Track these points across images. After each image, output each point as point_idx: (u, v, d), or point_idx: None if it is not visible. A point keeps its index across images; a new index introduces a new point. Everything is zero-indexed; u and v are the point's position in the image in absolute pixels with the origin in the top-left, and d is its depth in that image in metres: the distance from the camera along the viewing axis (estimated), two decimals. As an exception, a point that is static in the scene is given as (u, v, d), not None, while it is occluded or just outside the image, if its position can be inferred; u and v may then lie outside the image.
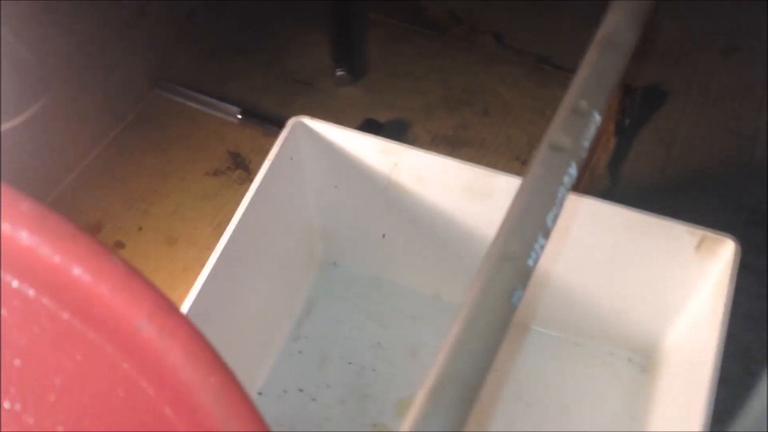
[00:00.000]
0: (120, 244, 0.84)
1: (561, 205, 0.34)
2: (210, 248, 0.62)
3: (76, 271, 0.22)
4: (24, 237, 0.22)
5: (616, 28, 0.40)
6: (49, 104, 0.85)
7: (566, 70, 1.01)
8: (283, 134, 0.68)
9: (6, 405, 0.24)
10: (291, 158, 0.69)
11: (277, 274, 0.74)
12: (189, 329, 0.23)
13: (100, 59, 0.94)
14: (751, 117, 0.96)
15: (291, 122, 0.69)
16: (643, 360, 0.75)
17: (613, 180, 0.90)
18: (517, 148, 0.93)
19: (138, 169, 0.91)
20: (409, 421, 0.26)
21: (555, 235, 0.69)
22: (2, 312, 0.23)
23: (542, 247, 0.32)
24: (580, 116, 0.36)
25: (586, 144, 0.36)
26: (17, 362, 0.24)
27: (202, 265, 0.62)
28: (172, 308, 0.24)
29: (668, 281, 0.66)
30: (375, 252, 0.78)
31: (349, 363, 0.75)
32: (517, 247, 0.31)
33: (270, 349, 0.74)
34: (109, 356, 0.23)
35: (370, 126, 0.93)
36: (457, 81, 1.00)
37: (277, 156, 0.67)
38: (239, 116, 0.95)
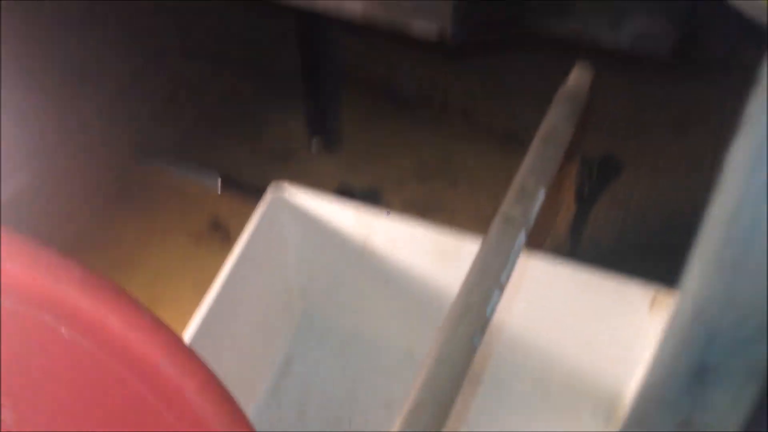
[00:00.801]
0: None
1: (513, 265, 0.39)
2: (191, 310, 0.66)
3: (113, 321, 0.27)
4: (72, 295, 0.27)
5: (555, 126, 0.47)
6: (32, 179, 0.89)
7: (527, 145, 1.08)
8: (264, 200, 0.73)
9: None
10: (271, 222, 0.74)
11: (257, 331, 0.78)
12: (203, 368, 0.28)
13: (83, 135, 0.98)
14: (700, 186, 1.03)
15: (272, 188, 0.73)
16: (607, 410, 0.79)
17: (575, 243, 0.96)
18: (485, 216, 0.98)
19: (119, 235, 0.95)
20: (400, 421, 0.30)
21: (520, 294, 0.74)
22: (53, 352, 0.27)
23: (497, 301, 0.37)
24: (527, 194, 0.43)
25: (533, 216, 0.42)
26: (66, 394, 0.28)
27: (185, 326, 0.65)
28: (190, 351, 0.28)
29: (626, 336, 0.71)
30: (351, 310, 0.82)
31: (326, 416, 0.78)
32: (476, 299, 0.36)
33: (249, 402, 0.77)
34: (139, 392, 0.27)
35: (345, 194, 0.98)
36: (427, 154, 1.06)
37: (259, 220, 0.72)
38: (220, 185, 0.99)
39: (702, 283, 0.15)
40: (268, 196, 0.73)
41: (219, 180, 1.00)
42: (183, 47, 1.18)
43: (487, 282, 0.38)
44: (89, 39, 1.16)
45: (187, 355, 0.28)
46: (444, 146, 1.07)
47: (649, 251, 0.95)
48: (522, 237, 0.41)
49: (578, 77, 0.52)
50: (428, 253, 0.73)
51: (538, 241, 0.96)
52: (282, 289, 0.81)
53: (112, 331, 0.27)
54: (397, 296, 0.78)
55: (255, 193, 0.98)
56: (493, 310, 0.37)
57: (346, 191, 0.98)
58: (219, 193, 1.00)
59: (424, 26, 0.40)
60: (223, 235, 0.96)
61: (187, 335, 0.63)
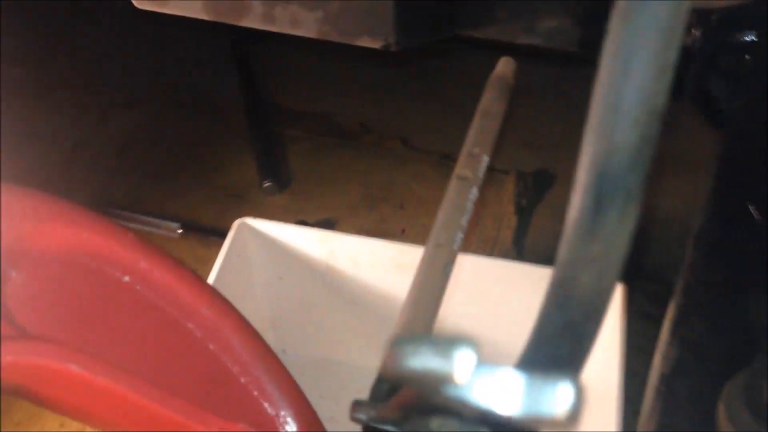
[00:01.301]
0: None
1: (470, 212, 0.48)
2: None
3: (170, 281, 0.33)
4: (142, 265, 0.34)
5: (490, 103, 0.56)
6: None
7: (434, 153, 1.16)
8: (230, 235, 0.77)
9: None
10: (238, 256, 0.78)
11: (232, 365, 0.82)
12: (235, 313, 0.35)
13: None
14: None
15: (236, 223, 0.78)
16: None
17: (519, 252, 1.03)
18: (433, 233, 1.05)
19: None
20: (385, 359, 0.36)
21: (474, 296, 0.80)
22: (119, 295, 0.33)
23: (461, 239, 0.45)
24: (474, 158, 0.51)
25: (481, 175, 0.51)
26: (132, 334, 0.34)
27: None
28: (226, 301, 0.35)
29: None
30: (320, 336, 0.86)
31: (306, 439, 0.82)
32: (445, 238, 0.44)
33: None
34: (189, 329, 0.34)
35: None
36: (373, 181, 1.12)
37: (226, 255, 0.76)
38: (179, 231, 1.03)
39: (592, 144, 0.23)
40: (233, 230, 0.77)
41: (178, 225, 1.04)
42: (129, 98, 1.23)
43: (452, 225, 0.46)
44: (39, 102, 1.19)
45: (223, 301, 0.35)
46: (388, 173, 1.14)
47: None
48: (474, 191, 0.50)
49: (503, 66, 0.62)
50: (387, 268, 0.79)
51: (486, 252, 1.03)
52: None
53: (164, 283, 0.33)
54: (362, 315, 0.83)
55: (214, 234, 1.03)
56: (459, 247, 0.47)
57: (301, 224, 1.04)
58: (179, 237, 1.04)
59: (369, 41, 0.48)
60: (188, 276, 0.99)
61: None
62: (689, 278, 0.47)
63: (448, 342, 0.22)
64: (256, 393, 0.37)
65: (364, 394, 0.88)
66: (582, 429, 0.79)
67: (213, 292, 0.39)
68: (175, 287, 0.36)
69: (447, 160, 1.16)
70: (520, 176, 1.13)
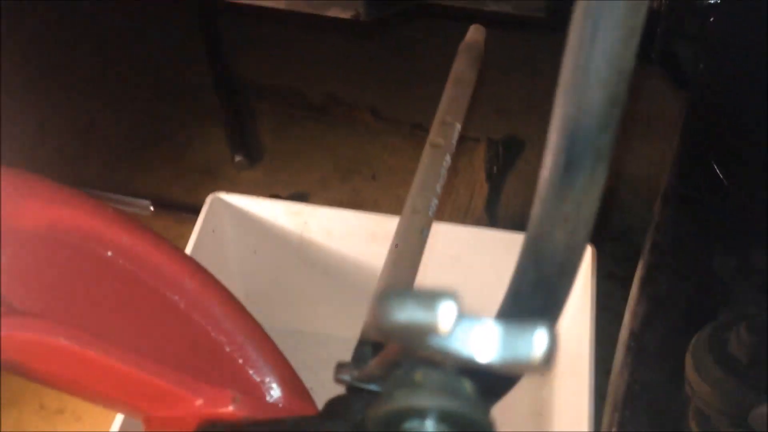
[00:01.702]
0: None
1: (444, 179, 0.49)
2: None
3: (153, 254, 0.34)
4: (125, 239, 0.34)
5: (461, 70, 0.56)
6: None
7: (404, 123, 1.17)
8: (203, 210, 0.77)
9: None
10: (213, 231, 0.78)
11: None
12: (218, 283, 0.35)
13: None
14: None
15: (209, 198, 0.78)
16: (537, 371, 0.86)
17: (491, 219, 1.04)
18: (405, 203, 1.06)
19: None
20: (372, 311, 0.38)
21: (448, 263, 0.81)
22: (101, 268, 0.34)
23: (436, 205, 0.47)
24: (447, 126, 0.52)
25: (454, 143, 0.52)
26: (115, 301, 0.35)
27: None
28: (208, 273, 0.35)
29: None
30: (296, 308, 0.87)
31: (287, 410, 0.83)
32: (420, 204, 0.45)
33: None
34: (173, 301, 0.35)
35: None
36: (345, 153, 1.12)
37: (200, 230, 0.76)
38: (151, 209, 1.03)
39: (562, 106, 0.24)
40: (207, 204, 0.77)
41: (149, 203, 1.03)
42: (94, 76, 1.21)
43: (427, 192, 0.47)
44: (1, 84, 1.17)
45: (205, 272, 0.36)
46: (359, 144, 1.14)
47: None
48: (448, 159, 0.51)
49: (474, 33, 0.63)
50: (361, 238, 0.79)
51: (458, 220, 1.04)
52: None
53: (146, 256, 0.34)
54: (337, 286, 0.84)
55: (187, 211, 1.02)
56: (434, 212, 0.48)
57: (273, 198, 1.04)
58: (151, 215, 1.03)
59: (339, 11, 0.49)
60: (162, 253, 0.99)
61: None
62: (657, 237, 0.49)
63: (431, 295, 0.23)
64: (241, 361, 0.38)
65: (342, 364, 0.89)
66: (557, 389, 0.80)
67: (195, 264, 0.39)
68: (158, 260, 0.37)
69: (418, 130, 1.17)
70: (491, 143, 1.13)
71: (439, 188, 0.51)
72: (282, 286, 0.85)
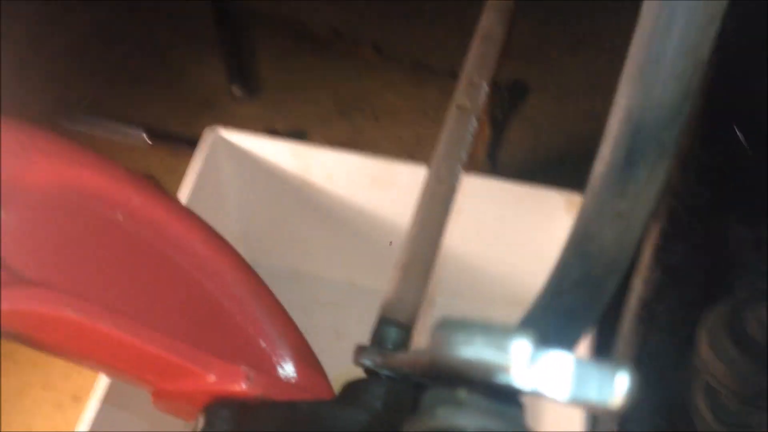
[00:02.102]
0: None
1: (469, 144, 0.47)
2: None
3: (165, 217, 0.33)
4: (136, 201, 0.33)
5: (490, 25, 0.53)
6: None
7: (440, 73, 1.13)
8: (201, 145, 0.75)
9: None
10: (210, 167, 0.76)
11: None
12: (231, 249, 0.34)
13: (-2, 96, 0.97)
14: (603, 102, 1.11)
15: (208, 134, 0.76)
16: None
17: (493, 165, 1.02)
18: (407, 146, 1.04)
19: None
20: (392, 286, 0.36)
21: (452, 214, 0.80)
22: (112, 230, 0.33)
23: (461, 172, 0.45)
24: (474, 87, 0.49)
25: (480, 104, 0.49)
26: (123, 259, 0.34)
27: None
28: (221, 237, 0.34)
29: (546, 241, 0.78)
30: (292, 249, 0.86)
31: (280, 350, 0.83)
32: (445, 173, 0.43)
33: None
34: (184, 267, 0.33)
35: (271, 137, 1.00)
36: (345, 90, 1.09)
37: (198, 165, 0.74)
38: (147, 140, 1.00)
39: (627, 95, 0.22)
40: (205, 141, 0.75)
41: (144, 133, 1.00)
42: None
43: (452, 159, 0.46)
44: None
45: (218, 238, 0.35)
46: (360, 81, 1.11)
47: (559, 165, 1.03)
48: (473, 122, 0.49)
49: None
50: (362, 182, 0.77)
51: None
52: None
53: (159, 219, 0.33)
54: (336, 229, 0.82)
55: (183, 143, 1.00)
56: (458, 180, 0.46)
57: (271, 135, 1.01)
58: (146, 145, 1.01)
59: None
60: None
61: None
62: (673, 202, 0.47)
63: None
64: (254, 333, 0.36)
65: (335, 306, 0.89)
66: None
67: (208, 229, 0.38)
68: (170, 224, 0.35)
69: (422, 68, 1.14)
70: (496, 88, 1.10)
71: (464, 155, 0.49)
72: (280, 226, 0.84)
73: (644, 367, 0.46)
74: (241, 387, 0.34)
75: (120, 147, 1.01)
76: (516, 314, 0.91)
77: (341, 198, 0.80)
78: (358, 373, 0.84)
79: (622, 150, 0.24)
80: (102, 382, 0.62)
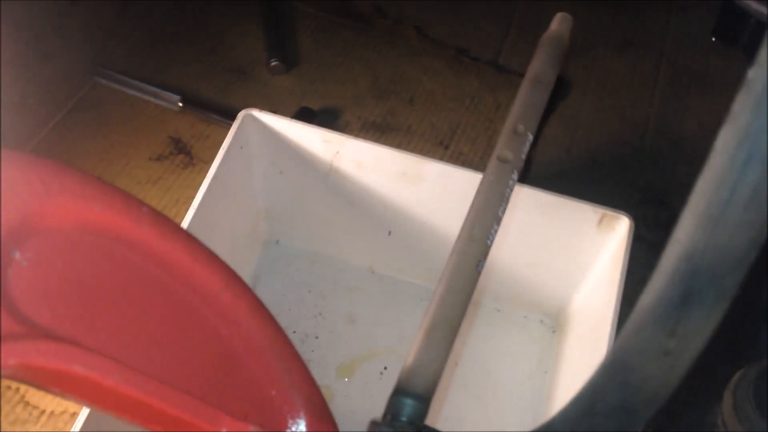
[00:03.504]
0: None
1: (507, 201, 0.44)
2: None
3: (179, 254, 0.32)
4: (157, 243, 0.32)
5: (542, 69, 0.51)
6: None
7: (482, 62, 1.11)
8: (235, 125, 0.74)
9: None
10: (241, 147, 0.76)
11: (224, 253, 0.81)
12: (251, 294, 0.33)
13: (36, 47, 0.97)
14: (643, 106, 1.09)
15: (241, 114, 0.75)
16: (553, 322, 0.86)
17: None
18: (440, 133, 1.02)
19: (81, 154, 0.95)
20: (411, 353, 0.35)
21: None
22: (126, 274, 0.32)
23: (496, 231, 0.42)
24: (518, 137, 0.47)
25: (524, 157, 0.47)
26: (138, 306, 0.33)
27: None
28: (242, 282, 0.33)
29: (574, 253, 0.77)
30: (315, 231, 0.85)
31: (294, 332, 0.83)
32: (479, 232, 0.41)
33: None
34: (201, 312, 0.33)
35: (304, 113, 0.99)
36: (383, 71, 1.08)
37: (230, 145, 0.74)
38: (179, 104, 1.00)
39: (690, 234, 0.21)
40: (238, 121, 0.74)
41: (179, 98, 1.00)
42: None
43: (488, 216, 0.44)
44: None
45: (239, 282, 0.33)
46: (398, 63, 1.09)
47: (592, 166, 1.01)
48: (515, 176, 0.47)
49: (560, 23, 0.56)
50: (391, 175, 0.76)
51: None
52: (249, 210, 0.84)
53: (178, 263, 0.32)
54: (360, 217, 0.82)
55: (215, 111, 0.99)
56: (492, 241, 0.44)
57: (305, 111, 1.00)
58: (178, 109, 1.00)
59: None
60: (186, 155, 0.97)
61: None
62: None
63: None
64: (266, 382, 0.35)
65: (351, 291, 0.89)
66: (569, 351, 0.79)
67: (229, 272, 0.37)
68: (191, 267, 0.34)
69: (462, 55, 1.11)
70: (536, 81, 1.08)
71: (501, 212, 0.46)
72: (304, 208, 0.84)
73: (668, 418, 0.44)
74: None
75: (152, 108, 1.00)
76: (546, 322, 0.89)
77: (368, 187, 0.79)
78: (370, 357, 0.83)
79: (677, 289, 0.22)
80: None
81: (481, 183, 0.48)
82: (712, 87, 1.10)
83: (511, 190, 0.48)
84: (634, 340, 0.24)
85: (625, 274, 0.71)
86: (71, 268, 0.31)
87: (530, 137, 0.50)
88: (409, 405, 0.37)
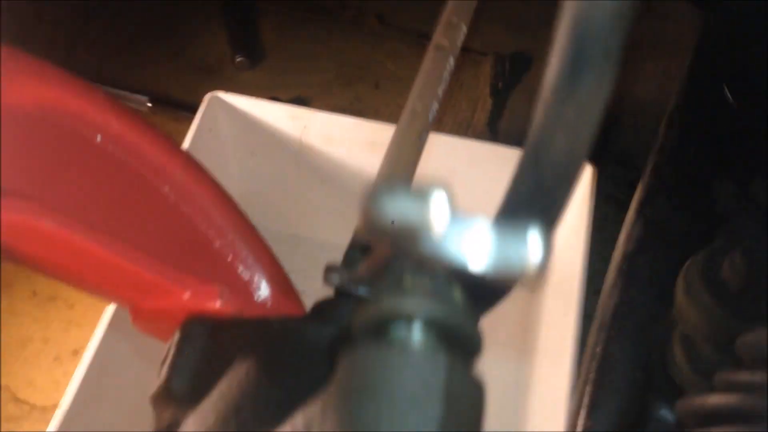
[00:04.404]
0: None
1: (446, 82, 0.48)
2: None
3: (144, 143, 0.34)
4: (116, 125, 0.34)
5: None
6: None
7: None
8: (201, 108, 0.76)
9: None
10: (210, 130, 0.77)
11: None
12: (209, 178, 0.35)
13: None
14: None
15: (207, 97, 0.77)
16: (530, 281, 0.87)
17: (493, 135, 1.03)
18: (407, 114, 1.04)
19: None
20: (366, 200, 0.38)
21: (446, 176, 0.81)
22: (89, 150, 0.34)
23: (436, 110, 0.45)
24: (453, 27, 0.50)
25: (458, 45, 0.50)
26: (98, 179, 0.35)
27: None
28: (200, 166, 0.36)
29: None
30: (291, 211, 0.87)
31: (278, 312, 0.84)
32: (421, 107, 0.44)
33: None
34: (162, 192, 0.34)
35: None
36: (349, 59, 1.10)
37: (197, 129, 0.75)
38: (149, 104, 1.01)
39: (574, 4, 0.23)
40: (205, 104, 0.76)
41: (146, 98, 1.01)
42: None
43: (428, 95, 0.46)
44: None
45: (197, 166, 0.35)
46: (363, 50, 1.11)
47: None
48: (451, 61, 0.50)
49: None
50: (361, 146, 0.78)
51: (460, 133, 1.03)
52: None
53: (137, 145, 0.34)
54: (334, 192, 0.83)
55: (184, 109, 1.01)
56: (433, 117, 0.47)
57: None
58: (147, 110, 1.02)
59: None
60: (159, 150, 0.98)
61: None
62: (659, 159, 0.48)
63: (424, 190, 0.23)
64: (230, 257, 0.37)
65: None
66: (545, 307, 0.81)
67: (187, 157, 0.39)
68: (149, 150, 0.36)
69: (424, 39, 1.14)
70: (498, 58, 1.11)
71: (440, 92, 0.49)
72: (279, 189, 0.85)
73: (623, 318, 0.46)
74: (215, 305, 0.35)
75: (123, 112, 1.02)
76: (522, 282, 0.91)
77: (340, 161, 0.80)
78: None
79: (568, 57, 0.25)
80: (97, 338, 0.64)
81: (421, 68, 0.51)
82: (668, 50, 1.13)
83: (450, 73, 0.51)
84: (542, 116, 0.26)
85: (591, 225, 0.73)
86: (33, 144, 0.33)
87: (464, 28, 0.54)
88: (362, 254, 0.40)
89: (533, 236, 0.23)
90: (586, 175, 0.75)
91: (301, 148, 0.80)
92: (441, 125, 1.02)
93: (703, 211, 0.47)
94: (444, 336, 0.25)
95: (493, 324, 0.87)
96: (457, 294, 0.27)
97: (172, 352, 0.34)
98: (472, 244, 0.23)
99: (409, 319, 0.25)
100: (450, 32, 0.53)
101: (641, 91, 1.09)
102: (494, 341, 0.82)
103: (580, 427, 0.45)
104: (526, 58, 1.13)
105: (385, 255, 0.27)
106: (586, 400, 0.46)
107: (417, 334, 0.25)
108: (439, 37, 0.53)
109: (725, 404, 0.32)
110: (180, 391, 0.32)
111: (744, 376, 0.33)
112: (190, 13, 1.14)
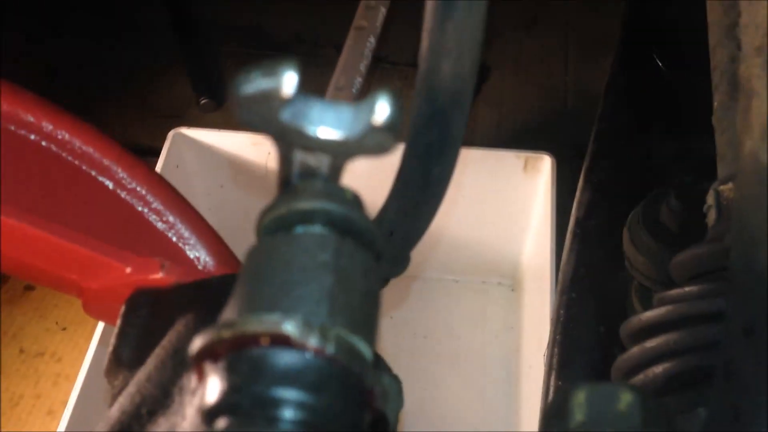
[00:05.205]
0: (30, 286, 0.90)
1: (368, 59, 0.50)
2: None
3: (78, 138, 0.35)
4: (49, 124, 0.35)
5: None
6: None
7: (402, 65, 1.16)
8: (166, 145, 0.78)
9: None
10: (177, 166, 0.79)
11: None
12: (145, 166, 0.36)
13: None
14: (558, 74, 1.14)
15: (171, 134, 0.78)
16: (510, 281, 0.88)
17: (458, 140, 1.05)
18: (372, 134, 1.06)
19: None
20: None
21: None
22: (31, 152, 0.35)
23: (360, 83, 0.47)
24: (372, 9, 0.53)
25: (378, 25, 0.53)
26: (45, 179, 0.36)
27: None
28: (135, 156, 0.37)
29: (509, 203, 0.80)
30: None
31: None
32: (345, 82, 0.46)
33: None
34: (101, 182, 0.36)
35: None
36: (309, 88, 1.12)
37: (164, 166, 0.77)
38: (119, 154, 1.03)
39: None
40: (169, 140, 0.78)
41: (116, 149, 1.03)
42: (54, 22, 1.20)
43: (351, 71, 0.48)
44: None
45: (131, 156, 0.37)
46: (322, 79, 1.13)
47: (523, 136, 1.05)
48: (372, 41, 0.52)
49: None
50: (325, 165, 0.80)
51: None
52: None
53: (72, 141, 0.35)
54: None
55: (153, 155, 1.03)
56: (358, 91, 0.49)
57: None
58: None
59: None
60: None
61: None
62: (600, 126, 0.50)
63: (274, 63, 0.24)
64: (174, 238, 0.39)
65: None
66: (525, 306, 0.82)
67: (120, 149, 0.40)
68: (84, 145, 0.37)
69: (382, 62, 1.17)
70: (455, 72, 1.13)
71: (363, 68, 0.52)
72: (252, 218, 0.86)
73: (582, 280, 0.47)
74: (157, 275, 0.36)
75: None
76: (503, 282, 0.91)
77: (306, 182, 0.82)
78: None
79: None
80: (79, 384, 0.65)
81: (345, 48, 0.54)
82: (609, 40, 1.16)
83: (371, 51, 0.54)
84: (426, 46, 0.28)
85: (555, 215, 0.74)
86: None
87: (383, 9, 0.57)
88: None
89: (381, 102, 0.25)
90: (546, 165, 0.77)
91: (268, 174, 0.81)
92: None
93: (645, 169, 0.48)
94: (335, 227, 0.27)
95: (482, 325, 0.88)
96: (348, 194, 0.28)
97: (119, 323, 0.35)
98: (328, 117, 0.25)
99: (307, 218, 0.26)
100: (369, 13, 0.55)
101: (598, 86, 1.11)
102: (483, 340, 0.83)
103: (552, 387, 0.46)
104: (485, 67, 1.15)
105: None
106: (554, 361, 0.47)
107: (318, 229, 0.26)
108: (359, 18, 0.56)
109: (657, 316, 0.33)
110: (127, 357, 0.34)
111: (675, 291, 0.34)
112: (152, 63, 1.16)
